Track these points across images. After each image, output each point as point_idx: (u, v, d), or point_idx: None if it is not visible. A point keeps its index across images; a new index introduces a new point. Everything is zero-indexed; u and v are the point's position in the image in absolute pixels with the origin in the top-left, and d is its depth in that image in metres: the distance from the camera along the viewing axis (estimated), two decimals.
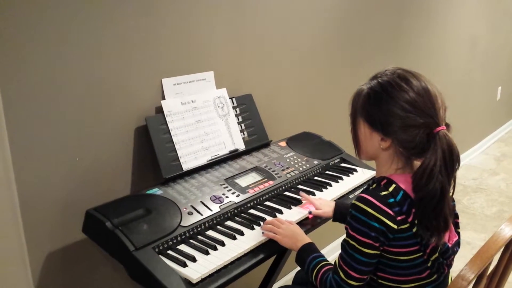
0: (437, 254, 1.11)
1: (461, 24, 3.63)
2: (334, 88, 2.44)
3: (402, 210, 1.06)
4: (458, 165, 1.06)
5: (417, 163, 1.15)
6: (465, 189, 3.55)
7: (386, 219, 1.05)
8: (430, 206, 1.04)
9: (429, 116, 1.05)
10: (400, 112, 1.06)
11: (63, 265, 1.43)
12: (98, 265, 1.52)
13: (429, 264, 1.11)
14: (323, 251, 2.42)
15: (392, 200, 1.06)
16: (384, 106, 1.08)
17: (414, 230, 1.07)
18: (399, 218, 1.06)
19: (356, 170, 1.78)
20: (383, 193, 1.07)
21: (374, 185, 1.13)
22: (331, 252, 2.59)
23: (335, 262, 1.15)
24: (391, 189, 1.08)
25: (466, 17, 3.68)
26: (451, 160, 1.04)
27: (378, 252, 1.08)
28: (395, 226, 1.05)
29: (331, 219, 1.49)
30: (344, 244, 1.11)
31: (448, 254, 1.14)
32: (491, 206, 3.34)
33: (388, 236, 1.06)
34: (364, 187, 1.19)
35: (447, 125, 1.08)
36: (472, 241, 2.87)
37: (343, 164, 1.84)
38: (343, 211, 1.46)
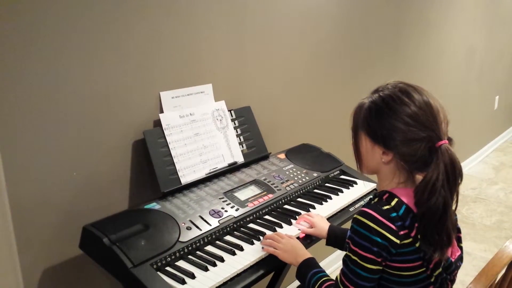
0: (440, 269, 1.09)
1: (458, 34, 3.64)
2: (333, 100, 2.43)
3: (405, 224, 1.05)
4: (461, 180, 1.05)
5: (419, 177, 1.13)
6: (464, 199, 3.53)
7: (389, 234, 1.03)
8: (432, 221, 1.03)
9: (431, 130, 1.04)
10: (402, 126, 1.05)
11: (59, 282, 1.40)
12: (95, 282, 1.49)
13: (432, 280, 1.09)
14: (322, 263, 2.40)
15: (394, 214, 1.05)
16: (386, 120, 1.07)
17: (417, 245, 1.05)
18: (401, 232, 1.04)
19: (356, 183, 1.76)
20: (386, 207, 1.06)
21: (376, 199, 1.12)
22: (330, 264, 2.57)
23: (336, 277, 1.13)
24: (393, 203, 1.06)
25: (463, 28, 3.69)
26: (453, 174, 1.03)
27: (381, 268, 1.07)
28: (398, 241, 1.04)
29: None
30: (346, 259, 1.10)
31: (452, 269, 1.12)
32: (490, 216, 3.33)
33: (391, 251, 1.04)
34: (366, 201, 1.18)
35: (450, 139, 1.07)
36: (472, 251, 2.85)
37: (342, 176, 1.83)
38: (338, 234, 1.44)
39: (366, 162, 1.16)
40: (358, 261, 1.06)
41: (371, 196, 1.17)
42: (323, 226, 1.45)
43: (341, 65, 2.45)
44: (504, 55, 4.64)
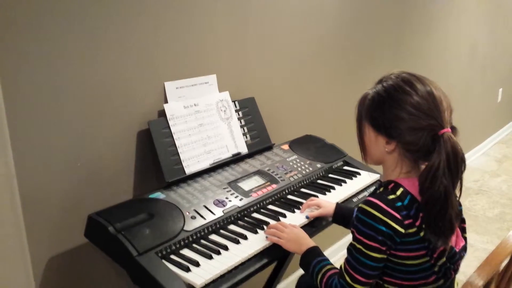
0: (444, 259, 1.09)
1: (461, 29, 3.63)
2: (337, 91, 2.43)
3: (410, 214, 1.05)
4: (464, 167, 1.05)
5: (423, 167, 1.14)
6: (467, 191, 3.53)
7: (394, 223, 1.04)
8: (434, 208, 1.04)
9: (433, 118, 1.04)
10: (404, 115, 1.06)
11: (64, 270, 1.42)
12: (100, 270, 1.50)
13: (436, 269, 1.10)
14: (325, 252, 2.41)
15: (399, 204, 1.06)
16: (388, 110, 1.08)
17: (421, 234, 1.06)
18: (406, 222, 1.05)
19: (359, 173, 1.77)
20: (391, 196, 1.07)
21: (381, 189, 1.13)
22: (334, 253, 2.58)
23: (340, 266, 1.14)
24: (398, 192, 1.07)
25: (466, 23, 3.68)
26: (455, 162, 1.03)
27: (385, 256, 1.08)
28: (403, 230, 1.04)
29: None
30: (351, 248, 1.11)
31: (455, 259, 1.13)
32: (492, 208, 3.33)
33: (395, 240, 1.05)
34: (371, 191, 1.19)
35: (453, 128, 1.07)
36: (474, 243, 2.86)
37: (346, 167, 1.83)
38: (344, 212, 1.45)
39: (370, 152, 1.17)
40: (363, 249, 1.07)
41: (376, 186, 1.17)
42: (329, 205, 1.47)
43: (344, 58, 2.45)
44: (507, 49, 4.62)
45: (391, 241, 1.05)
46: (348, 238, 2.63)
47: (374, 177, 1.74)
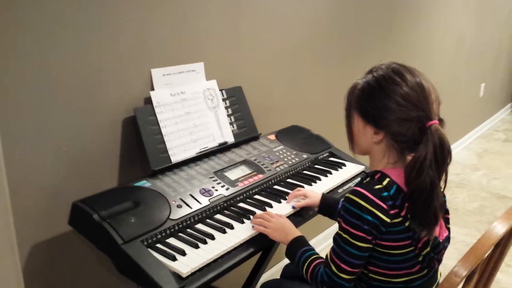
0: (428, 249, 1.11)
1: (448, 21, 3.66)
2: (324, 82, 2.44)
3: (396, 204, 1.06)
4: (450, 159, 1.06)
5: (409, 158, 1.15)
6: (448, 184, 3.55)
7: (380, 213, 1.05)
8: (420, 199, 1.05)
9: (422, 110, 1.05)
10: (393, 106, 1.06)
11: (48, 257, 1.40)
12: (85, 257, 1.49)
13: (420, 259, 1.11)
14: (311, 242, 2.43)
15: (386, 193, 1.06)
16: (378, 100, 1.08)
17: (406, 224, 1.07)
18: (392, 212, 1.06)
19: (344, 165, 1.78)
20: (377, 186, 1.07)
21: (368, 179, 1.13)
22: (319, 243, 2.60)
23: (326, 255, 1.15)
24: (385, 183, 1.08)
25: (453, 15, 3.71)
26: (442, 154, 1.04)
27: (371, 246, 1.08)
28: (388, 220, 1.05)
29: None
30: (337, 238, 1.11)
31: (439, 249, 1.14)
32: (472, 202, 3.39)
33: (381, 229, 1.06)
34: (358, 181, 1.19)
35: (440, 120, 1.08)
36: (454, 235, 2.90)
37: (332, 159, 1.84)
38: (330, 203, 1.46)
39: (358, 142, 1.17)
40: (349, 239, 1.07)
41: (363, 176, 1.18)
42: (316, 195, 1.48)
43: (332, 49, 2.45)
44: (492, 43, 4.68)
45: (376, 231, 1.06)
46: (334, 228, 2.66)
47: (359, 168, 1.76)
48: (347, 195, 1.09)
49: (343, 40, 2.51)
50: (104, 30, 1.39)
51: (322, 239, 2.64)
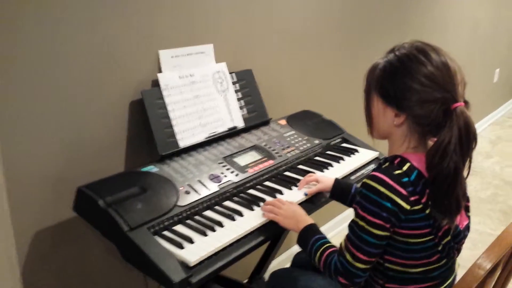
0: (449, 238, 1.06)
1: (464, 6, 3.55)
2: (336, 66, 2.37)
3: (416, 190, 1.01)
4: (475, 144, 1.00)
5: (430, 143, 1.09)
6: None
7: (399, 199, 0.99)
8: (443, 186, 0.99)
9: (447, 91, 0.99)
10: (417, 86, 1.00)
11: (52, 244, 1.36)
12: (89, 245, 1.45)
13: (439, 248, 1.06)
14: (322, 229, 2.39)
15: (406, 179, 1.01)
16: (400, 80, 1.02)
17: (427, 211, 1.01)
18: (412, 198, 1.00)
19: (357, 151, 1.72)
20: (397, 172, 1.02)
21: (386, 164, 1.08)
22: (330, 229, 2.55)
23: (340, 243, 1.10)
24: (405, 168, 1.02)
25: (469, 1, 3.60)
26: (467, 138, 0.98)
27: (388, 234, 1.03)
28: (408, 207, 1.00)
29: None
30: (353, 225, 1.06)
31: (460, 238, 1.10)
32: (485, 189, 3.32)
33: (400, 217, 1.01)
34: (374, 166, 1.14)
35: (466, 102, 1.02)
36: None
37: (344, 144, 1.79)
38: (343, 187, 1.41)
39: (377, 126, 1.12)
40: (366, 226, 1.02)
41: (381, 161, 1.12)
42: (327, 180, 1.43)
43: (345, 33, 2.37)
44: (508, 29, 4.56)
45: (395, 218, 1.01)
46: (346, 214, 2.61)
47: (373, 154, 1.70)
48: (364, 180, 1.04)
49: (355, 24, 2.43)
50: (110, 9, 1.34)
51: (334, 225, 2.58)
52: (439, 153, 0.98)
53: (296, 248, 2.33)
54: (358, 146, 1.76)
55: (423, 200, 1.01)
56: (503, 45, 4.61)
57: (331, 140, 1.77)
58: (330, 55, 2.31)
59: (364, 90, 1.13)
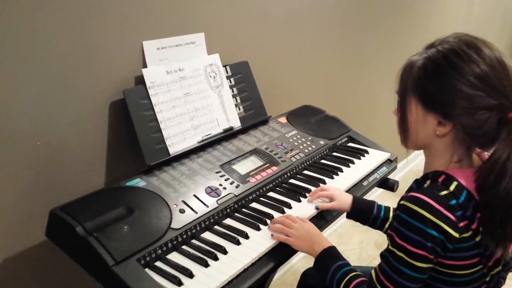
0: (500, 268, 0.89)
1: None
2: (338, 57, 2.17)
3: (466, 214, 0.84)
4: None
5: (475, 156, 0.92)
6: None
7: (447, 226, 0.82)
8: (498, 210, 0.82)
9: (504, 96, 0.82)
10: (467, 90, 0.82)
11: (22, 272, 1.15)
12: (67, 274, 1.24)
13: (487, 279, 0.90)
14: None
15: (454, 202, 0.83)
16: (446, 81, 0.84)
17: (477, 239, 0.85)
18: (461, 224, 0.83)
19: (367, 152, 1.55)
20: (443, 192, 0.84)
21: (428, 182, 0.90)
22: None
23: (370, 274, 0.93)
24: (452, 187, 0.85)
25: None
26: None
27: (432, 266, 0.86)
28: (457, 235, 0.83)
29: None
30: (387, 255, 0.89)
31: (509, 266, 0.93)
32: None
33: (447, 246, 0.84)
34: (413, 184, 0.95)
35: None
36: None
37: (351, 144, 1.61)
38: (363, 207, 1.23)
39: (414, 135, 0.93)
40: (405, 258, 0.85)
41: (420, 179, 0.94)
42: (345, 197, 1.24)
43: (346, 23, 2.17)
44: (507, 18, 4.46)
45: (441, 248, 0.84)
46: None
47: (385, 156, 1.53)
48: (404, 203, 0.86)
49: (355, 15, 2.22)
50: None
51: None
52: (495, 171, 0.81)
53: (297, 258, 2.16)
54: (367, 146, 1.59)
55: (473, 226, 0.84)
56: (493, 30, 4.50)
57: (337, 140, 1.59)
58: (331, 45, 2.10)
59: (397, 92, 0.94)
